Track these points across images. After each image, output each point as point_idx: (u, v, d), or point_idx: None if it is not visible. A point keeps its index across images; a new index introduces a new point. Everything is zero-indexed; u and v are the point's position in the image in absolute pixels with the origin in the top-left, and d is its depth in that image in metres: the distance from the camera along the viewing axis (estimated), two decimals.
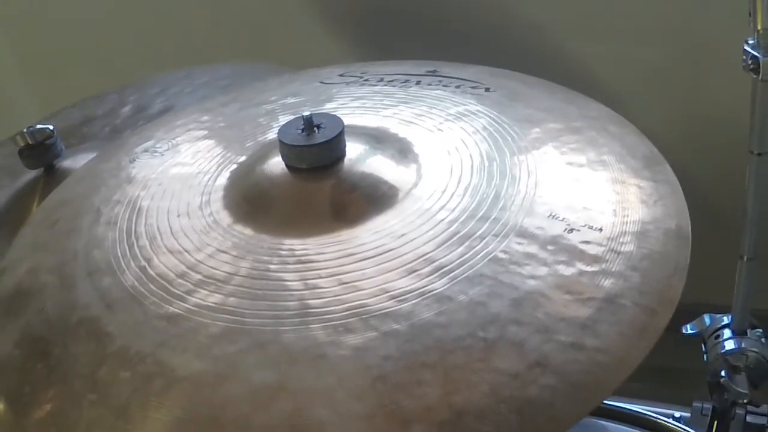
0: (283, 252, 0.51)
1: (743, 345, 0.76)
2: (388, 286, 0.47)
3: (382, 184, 0.55)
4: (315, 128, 0.56)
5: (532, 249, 0.50)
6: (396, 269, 0.49)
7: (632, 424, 0.81)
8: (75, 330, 0.51)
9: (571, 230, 0.51)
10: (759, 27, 0.62)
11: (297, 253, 0.51)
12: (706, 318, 0.80)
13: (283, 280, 0.49)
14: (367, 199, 0.54)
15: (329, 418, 0.42)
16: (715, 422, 0.79)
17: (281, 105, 0.69)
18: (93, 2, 1.32)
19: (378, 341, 0.44)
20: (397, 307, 0.46)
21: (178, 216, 0.57)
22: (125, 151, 0.68)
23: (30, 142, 0.80)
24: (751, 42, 0.63)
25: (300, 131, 0.56)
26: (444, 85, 0.68)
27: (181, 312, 0.49)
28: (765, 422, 0.76)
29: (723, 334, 0.77)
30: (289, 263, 0.51)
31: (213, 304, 0.49)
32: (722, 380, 0.75)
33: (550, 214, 0.52)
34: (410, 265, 0.49)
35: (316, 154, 0.55)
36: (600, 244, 0.50)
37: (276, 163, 0.57)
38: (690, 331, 0.80)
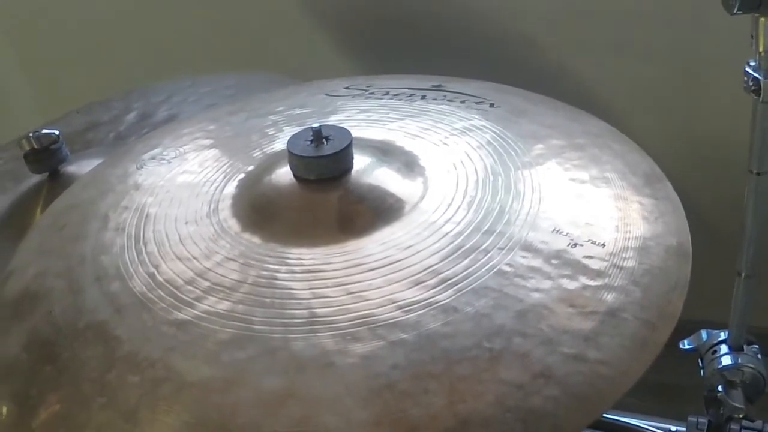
0: (291, 261, 0.52)
1: (740, 361, 0.77)
2: (394, 297, 0.48)
3: (389, 197, 0.56)
4: (324, 140, 0.57)
5: (537, 263, 0.50)
6: (402, 280, 0.49)
7: None
8: (83, 334, 0.51)
9: (575, 245, 0.52)
10: (761, 49, 0.63)
11: (305, 262, 0.52)
12: (703, 333, 0.81)
13: (291, 289, 0.50)
14: (374, 211, 0.55)
15: (337, 425, 0.43)
16: None
17: (287, 116, 0.70)
18: (96, 7, 1.33)
19: (385, 350, 0.45)
20: (404, 317, 0.47)
21: (186, 223, 0.58)
22: (132, 158, 0.69)
23: (35, 147, 0.80)
24: (752, 64, 0.64)
25: (309, 142, 0.57)
26: (449, 100, 0.69)
27: (189, 318, 0.50)
28: None
29: (720, 349, 0.78)
30: (296, 272, 0.51)
31: (222, 311, 0.49)
32: (719, 395, 0.75)
33: (554, 229, 0.53)
34: (416, 277, 0.50)
35: (325, 165, 0.56)
36: (602, 259, 0.51)
37: (284, 174, 0.58)
38: (687, 346, 0.81)
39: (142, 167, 0.66)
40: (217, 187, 0.61)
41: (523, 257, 0.51)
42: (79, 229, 0.61)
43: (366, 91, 0.73)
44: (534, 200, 0.56)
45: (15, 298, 0.57)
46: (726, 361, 0.77)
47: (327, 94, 0.73)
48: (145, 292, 0.52)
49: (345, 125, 0.61)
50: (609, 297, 0.49)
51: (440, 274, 0.50)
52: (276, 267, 0.52)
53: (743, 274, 0.73)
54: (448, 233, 0.53)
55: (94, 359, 0.49)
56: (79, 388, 0.48)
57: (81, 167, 0.80)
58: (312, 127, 0.57)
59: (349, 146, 0.57)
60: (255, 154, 0.65)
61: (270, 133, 0.68)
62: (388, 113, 0.68)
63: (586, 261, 0.51)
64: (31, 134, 0.80)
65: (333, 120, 0.67)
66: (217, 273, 0.52)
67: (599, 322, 0.47)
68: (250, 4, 1.23)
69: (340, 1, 1.20)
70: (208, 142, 0.69)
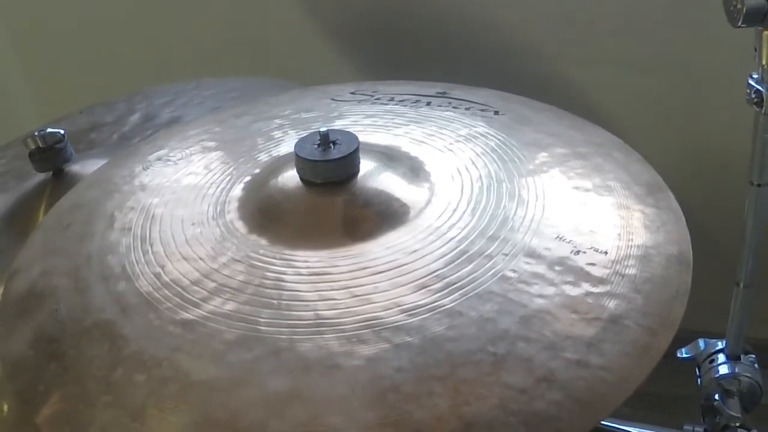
0: (297, 263, 0.53)
1: (737, 370, 0.78)
2: (400, 300, 0.49)
3: (394, 201, 0.57)
4: (331, 144, 0.57)
5: (540, 269, 0.51)
6: (408, 284, 0.50)
7: None
8: (89, 332, 0.52)
9: (578, 252, 0.52)
10: (764, 62, 0.64)
11: (311, 264, 0.52)
12: (701, 342, 0.81)
13: (297, 291, 0.51)
14: (380, 215, 0.56)
15: (342, 425, 0.43)
16: None
17: (293, 120, 0.71)
18: (98, 10, 1.34)
19: (390, 353, 0.46)
20: (409, 321, 0.47)
21: (193, 224, 0.58)
22: (138, 159, 0.69)
23: (41, 146, 0.80)
24: (755, 76, 0.65)
25: (316, 146, 0.57)
26: (454, 107, 0.70)
27: (196, 318, 0.50)
28: None
29: (717, 358, 0.79)
30: (303, 274, 0.52)
31: (228, 312, 0.50)
32: (716, 404, 0.76)
33: (557, 236, 0.54)
34: (422, 281, 0.50)
35: (331, 169, 0.57)
36: (605, 267, 0.52)
37: (291, 177, 0.58)
38: (685, 355, 0.81)
39: (148, 168, 0.67)
40: (223, 189, 0.62)
41: (527, 263, 0.51)
42: (85, 228, 0.61)
43: (372, 96, 0.73)
44: (538, 207, 0.57)
45: (21, 295, 0.58)
46: (723, 370, 0.78)
47: (333, 99, 0.74)
48: (152, 291, 0.53)
49: (351, 130, 0.61)
50: (611, 304, 0.49)
51: (445, 278, 0.50)
52: (282, 269, 0.52)
53: (742, 284, 0.74)
54: (452, 238, 0.53)
55: (99, 358, 0.50)
56: (84, 386, 0.49)
57: (85, 167, 0.81)
58: (320, 131, 0.57)
59: (356, 151, 0.57)
60: (260, 158, 0.65)
61: (276, 137, 0.68)
62: (393, 119, 0.68)
63: (588, 268, 0.51)
64: (36, 133, 0.80)
65: (338, 125, 0.68)
66: (223, 274, 0.53)
67: (601, 329, 0.48)
68: (254, 8, 1.24)
69: (345, 9, 1.21)
70: (213, 144, 0.69)
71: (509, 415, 0.43)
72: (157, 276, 0.54)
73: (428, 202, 0.57)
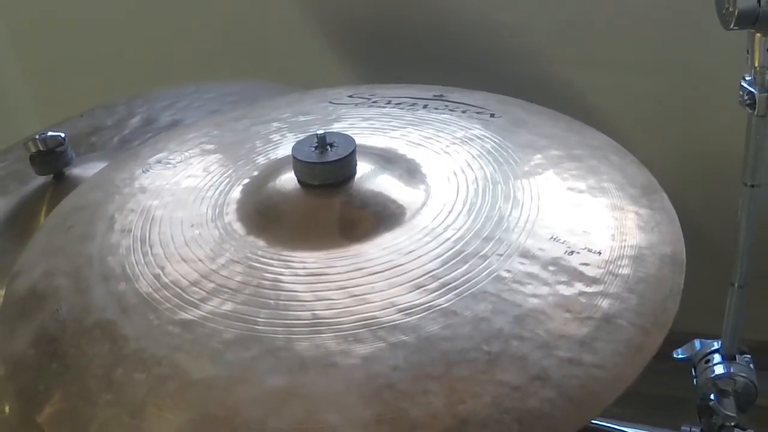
0: (295, 264, 0.54)
1: (732, 370, 0.78)
2: (396, 300, 0.50)
3: (391, 203, 0.58)
4: (328, 146, 0.58)
5: (534, 269, 0.52)
6: (404, 284, 0.51)
7: None
8: (90, 332, 0.53)
9: (572, 252, 0.53)
10: (756, 64, 0.65)
11: (308, 265, 0.53)
12: (697, 343, 0.82)
13: (294, 291, 0.51)
14: (377, 216, 0.57)
15: (339, 423, 0.44)
16: None
17: (291, 123, 0.72)
18: (99, 13, 1.35)
19: (386, 352, 0.46)
20: (404, 320, 0.48)
21: (192, 226, 0.59)
22: (138, 162, 0.70)
23: (41, 149, 0.81)
24: (748, 78, 0.66)
25: (313, 149, 0.58)
26: (450, 110, 0.71)
27: (195, 318, 0.51)
28: None
29: (713, 358, 0.80)
30: (300, 275, 0.53)
31: (226, 312, 0.51)
32: (711, 403, 0.77)
33: (552, 237, 0.54)
34: (417, 281, 0.51)
35: (329, 171, 0.58)
36: (599, 267, 0.52)
37: (289, 179, 0.59)
38: (681, 356, 0.82)
39: (147, 171, 0.68)
40: (221, 191, 0.62)
41: (521, 263, 0.52)
42: (86, 230, 0.62)
43: (369, 99, 0.74)
44: (532, 208, 0.57)
45: (22, 296, 0.58)
46: (719, 370, 0.78)
47: (330, 102, 0.75)
48: (151, 292, 0.54)
49: (348, 133, 0.62)
50: (604, 303, 0.50)
51: (440, 278, 0.51)
52: (280, 270, 0.53)
53: (736, 285, 0.75)
54: (448, 239, 0.54)
55: (100, 357, 0.51)
56: (85, 385, 0.49)
57: (86, 170, 0.81)
58: (317, 134, 0.58)
59: (352, 153, 0.58)
60: (259, 160, 0.66)
61: (274, 140, 0.69)
62: (390, 122, 0.69)
63: (582, 268, 0.52)
64: (37, 136, 0.80)
65: (336, 127, 0.69)
66: (221, 275, 0.54)
67: (595, 328, 0.48)
68: (253, 12, 1.25)
69: (345, 12, 1.21)
70: (212, 147, 0.70)
71: (503, 412, 0.44)
72: (157, 277, 0.55)
73: (424, 203, 0.58)
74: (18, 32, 1.45)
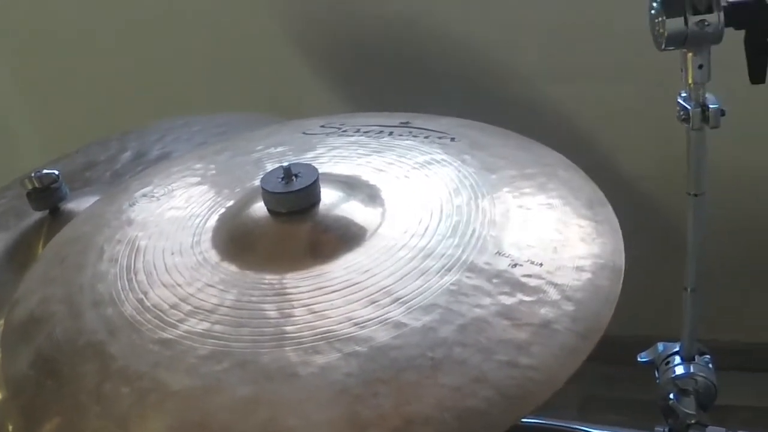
0: (264, 286, 0.59)
1: (692, 370, 0.83)
2: (352, 315, 0.55)
3: (353, 226, 0.63)
4: (293, 177, 0.63)
5: (479, 282, 0.57)
6: (360, 300, 0.56)
7: None
8: (82, 352, 0.58)
9: (515, 265, 0.58)
10: (690, 81, 0.70)
11: (276, 286, 0.59)
12: (660, 346, 0.87)
13: (262, 310, 0.57)
14: (340, 239, 0.62)
15: (300, 425, 0.49)
16: None
17: (267, 154, 0.77)
18: (96, 47, 1.41)
19: (341, 361, 0.52)
20: (359, 332, 0.53)
21: (172, 254, 0.65)
22: (126, 195, 0.76)
23: (37, 186, 0.86)
24: (683, 95, 0.71)
25: (280, 179, 0.63)
26: (414, 136, 0.76)
27: (173, 337, 0.56)
28: None
29: (674, 360, 0.84)
30: (268, 295, 0.58)
31: (201, 331, 0.56)
32: (671, 403, 0.81)
33: (498, 251, 0.59)
34: (372, 297, 0.56)
35: (294, 200, 0.63)
36: (540, 277, 0.57)
37: (259, 208, 0.65)
38: (644, 359, 0.87)
39: (134, 204, 0.73)
40: (200, 221, 0.68)
41: (468, 277, 0.57)
42: (79, 260, 0.68)
43: (339, 129, 0.79)
44: (484, 225, 0.62)
45: (22, 322, 0.64)
46: (679, 370, 0.83)
47: (304, 133, 0.80)
48: (135, 315, 0.59)
49: (318, 162, 0.67)
50: (543, 311, 0.55)
51: (393, 293, 0.56)
52: (250, 291, 0.59)
53: (689, 289, 0.79)
54: (403, 257, 0.59)
55: (91, 374, 0.56)
56: (78, 399, 0.55)
57: (79, 204, 0.86)
58: (282, 166, 0.64)
59: (315, 182, 0.63)
60: (237, 190, 0.72)
61: (251, 170, 0.75)
62: (357, 149, 0.74)
63: (524, 279, 0.57)
64: (33, 174, 0.86)
65: (309, 156, 0.74)
66: (198, 298, 0.59)
67: (532, 333, 0.53)
68: (242, 46, 1.31)
69: (336, 40, 1.27)
70: (195, 179, 0.75)
71: (444, 411, 0.49)
72: (140, 301, 0.60)
73: (381, 224, 0.63)
74: (18, 68, 1.51)
